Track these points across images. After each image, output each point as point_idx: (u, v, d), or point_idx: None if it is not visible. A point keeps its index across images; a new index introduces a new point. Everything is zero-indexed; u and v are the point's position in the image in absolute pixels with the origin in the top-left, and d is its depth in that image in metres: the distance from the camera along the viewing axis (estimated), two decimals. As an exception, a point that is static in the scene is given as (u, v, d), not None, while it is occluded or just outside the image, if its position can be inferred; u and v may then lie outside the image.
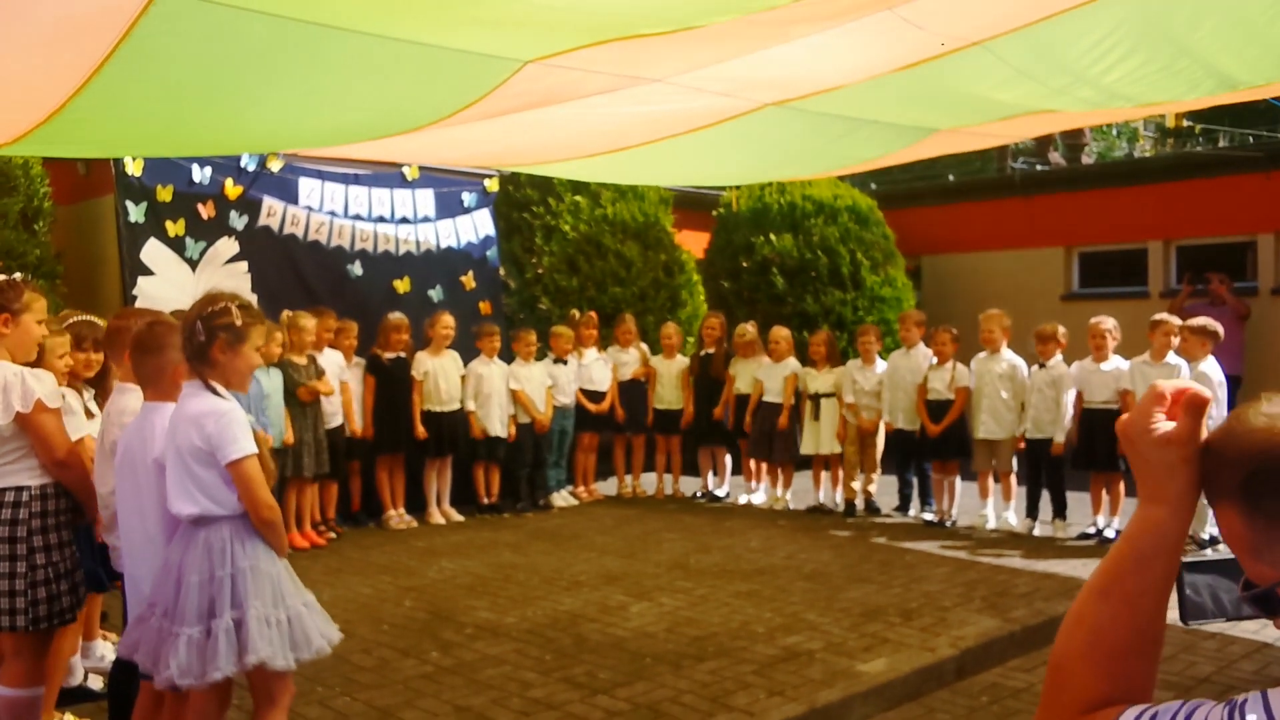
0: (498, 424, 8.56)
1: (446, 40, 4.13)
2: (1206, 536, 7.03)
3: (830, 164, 8.03)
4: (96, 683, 4.53)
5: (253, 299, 3.81)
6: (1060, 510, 7.69)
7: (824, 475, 8.88)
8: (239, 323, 3.18)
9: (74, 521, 3.80)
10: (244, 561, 3.10)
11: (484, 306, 9.59)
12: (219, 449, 3.07)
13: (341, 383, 7.88)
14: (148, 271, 7.61)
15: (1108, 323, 7.58)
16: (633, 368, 9.49)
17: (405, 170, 9.12)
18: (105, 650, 4.80)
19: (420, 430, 8.18)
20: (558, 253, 10.22)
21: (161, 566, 3.18)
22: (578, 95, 5.07)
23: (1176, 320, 7.37)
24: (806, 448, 8.80)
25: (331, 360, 7.86)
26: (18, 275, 3.83)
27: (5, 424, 3.59)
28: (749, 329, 9.29)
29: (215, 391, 3.16)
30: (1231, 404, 7.73)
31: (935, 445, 8.13)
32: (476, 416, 8.46)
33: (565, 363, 9.08)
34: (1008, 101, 5.84)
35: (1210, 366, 7.06)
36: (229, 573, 3.08)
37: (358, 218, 8.87)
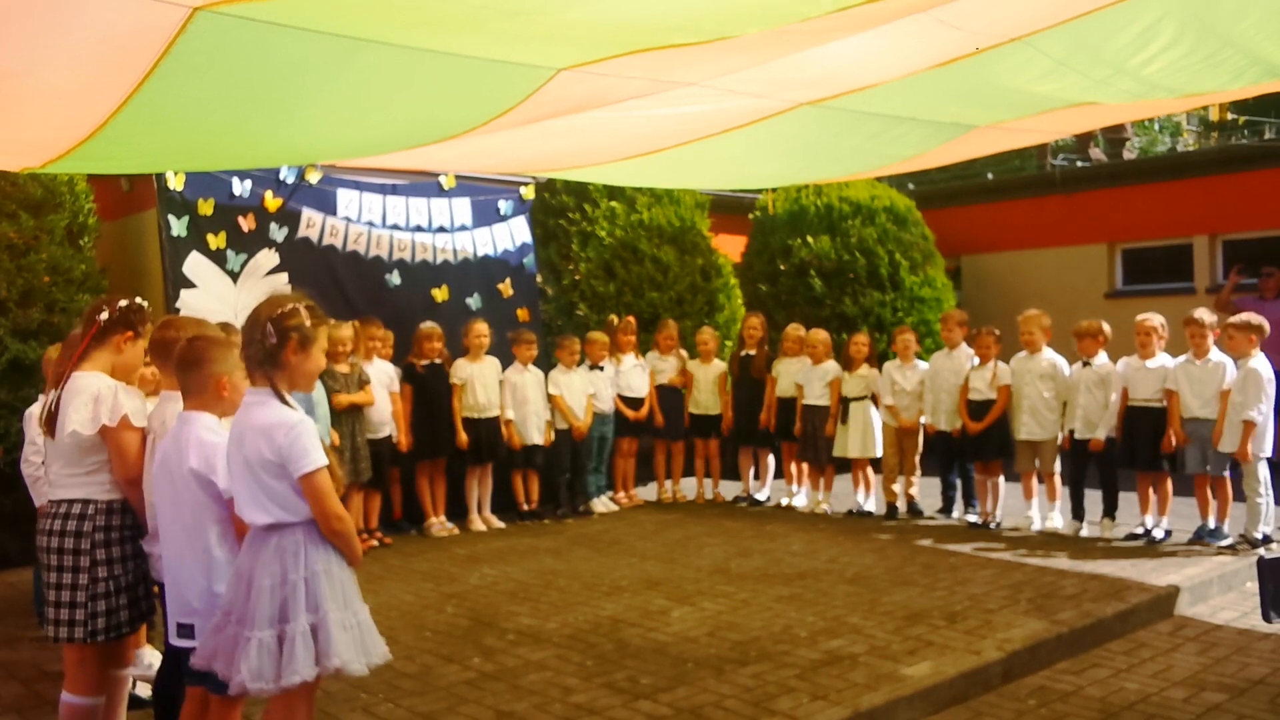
0: (534, 431, 8.57)
1: (479, 51, 4.15)
2: (1260, 535, 6.89)
3: (866, 164, 7.97)
4: (144, 690, 4.58)
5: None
6: (1111, 509, 7.57)
7: (863, 478, 8.81)
8: (308, 323, 3.17)
9: (136, 536, 3.84)
10: (318, 565, 3.09)
11: (522, 314, 9.63)
12: (290, 461, 3.05)
13: (392, 393, 7.94)
14: (190, 284, 7.72)
15: (1155, 319, 7.46)
16: (670, 374, 9.48)
17: (442, 179, 9.18)
18: (152, 658, 4.84)
19: (463, 438, 8.22)
20: (594, 258, 10.23)
21: (234, 573, 3.18)
22: (612, 100, 5.08)
23: (1210, 317, 7.24)
24: (836, 450, 8.75)
25: (381, 370, 7.92)
26: (143, 302, 3.92)
27: (89, 435, 3.66)
28: (799, 328, 9.28)
29: (284, 400, 3.14)
30: (1281, 401, 7.58)
31: (976, 446, 8.04)
32: (514, 426, 8.49)
33: (603, 369, 9.08)
34: (1046, 94, 5.77)
35: (1259, 362, 6.93)
36: (303, 575, 3.06)
37: (395, 227, 8.94)
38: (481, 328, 8.41)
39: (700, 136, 6.22)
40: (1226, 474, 7.12)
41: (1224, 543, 7.02)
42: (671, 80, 4.85)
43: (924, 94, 5.59)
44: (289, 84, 4.34)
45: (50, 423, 3.73)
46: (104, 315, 3.79)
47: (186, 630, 3.34)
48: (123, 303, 3.83)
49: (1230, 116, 13.69)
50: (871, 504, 8.76)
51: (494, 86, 4.60)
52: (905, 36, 4.54)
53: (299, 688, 3.04)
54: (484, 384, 8.35)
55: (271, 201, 8.23)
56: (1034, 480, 7.94)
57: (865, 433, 8.67)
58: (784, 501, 9.22)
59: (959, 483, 8.44)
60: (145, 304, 3.92)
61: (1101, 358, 7.58)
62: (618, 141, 6.27)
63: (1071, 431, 7.68)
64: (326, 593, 3.08)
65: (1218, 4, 4.60)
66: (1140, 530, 7.38)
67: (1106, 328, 7.68)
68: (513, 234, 9.72)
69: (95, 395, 3.66)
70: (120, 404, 3.65)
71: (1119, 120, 9.44)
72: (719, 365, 9.60)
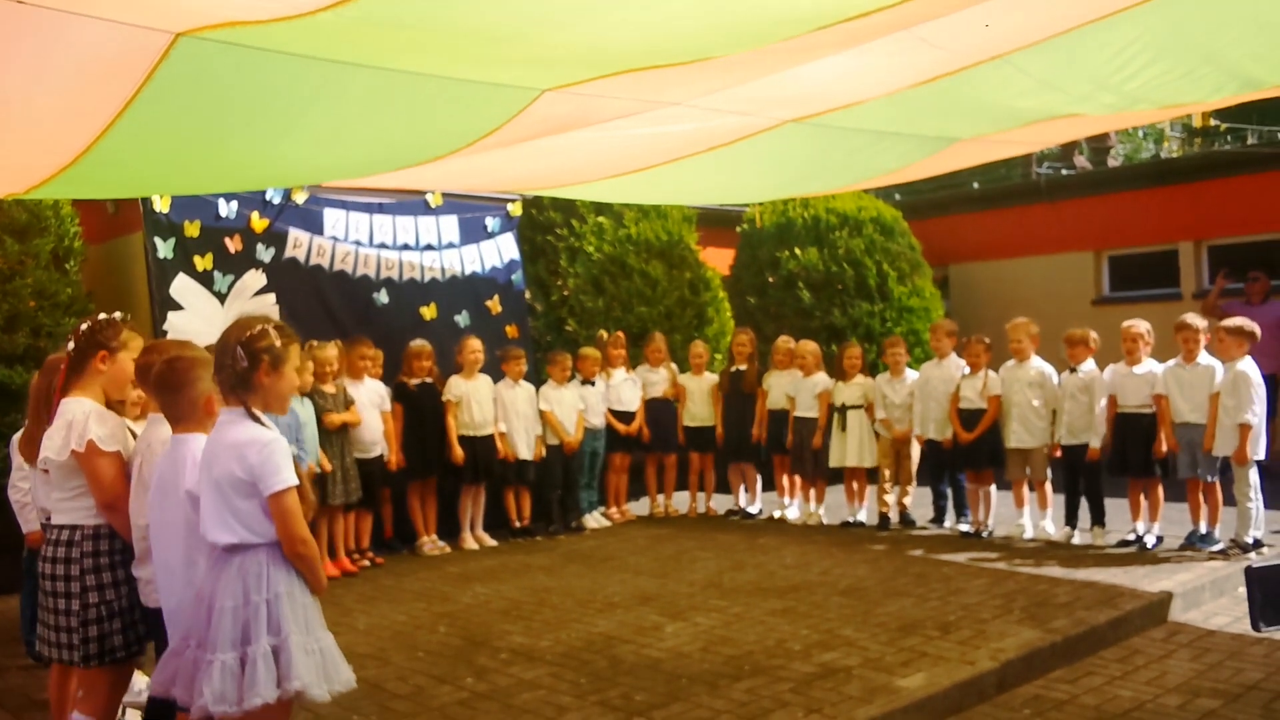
0: (524, 447, 8.55)
1: (464, 73, 4.16)
2: (1250, 540, 6.90)
3: (851, 177, 8.01)
4: (134, 717, 4.55)
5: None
6: (1099, 518, 7.58)
7: (856, 489, 8.80)
8: (278, 343, 3.16)
9: (129, 561, 3.83)
10: (280, 587, 3.07)
11: (510, 330, 9.61)
12: (261, 479, 3.03)
13: (383, 413, 7.91)
14: (177, 306, 7.70)
15: (1141, 326, 7.48)
16: (662, 386, 9.47)
17: (429, 197, 9.18)
18: (143, 685, 4.81)
19: (458, 452, 8.18)
20: (583, 274, 10.23)
21: (193, 597, 3.16)
22: (597, 120, 5.09)
23: (1201, 322, 7.27)
24: (834, 460, 8.75)
25: (372, 389, 7.88)
26: (118, 314, 3.92)
27: (61, 461, 3.66)
28: (790, 340, 9.31)
29: (257, 419, 3.13)
30: (1272, 404, 7.60)
31: (967, 455, 8.05)
32: (506, 439, 8.46)
33: (594, 384, 9.07)
34: (1029, 109, 5.82)
35: (1248, 366, 6.95)
36: (265, 598, 3.04)
37: (383, 246, 8.93)
38: (475, 344, 8.39)
39: (686, 154, 6.24)
40: (1217, 479, 7.14)
41: (1215, 548, 7.03)
42: (656, 100, 4.87)
43: (908, 109, 5.62)
44: (273, 108, 4.34)
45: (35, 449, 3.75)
46: (71, 344, 3.81)
47: (184, 656, 3.32)
48: (84, 326, 3.85)
49: (1213, 123, 13.77)
50: (864, 515, 8.76)
51: (479, 108, 4.60)
52: (888, 55, 4.56)
53: (260, 711, 3.01)
54: (479, 401, 8.32)
55: (258, 222, 8.21)
56: (1025, 488, 7.95)
57: (863, 441, 8.67)
58: (776, 514, 9.22)
59: (950, 492, 8.45)
60: (116, 315, 3.91)
61: (1087, 364, 7.60)
62: (604, 160, 6.28)
63: (1059, 439, 7.68)
64: (289, 615, 3.06)
65: (1195, 21, 4.63)
66: (1132, 537, 7.39)
67: (1094, 336, 7.71)
68: (500, 251, 9.72)
69: (69, 421, 3.67)
70: (88, 430, 3.64)
71: (1102, 130, 9.53)
72: (711, 377, 9.61)
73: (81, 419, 3.66)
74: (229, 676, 2.98)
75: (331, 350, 7.54)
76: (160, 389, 3.43)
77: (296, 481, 3.08)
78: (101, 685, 3.77)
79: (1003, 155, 8.07)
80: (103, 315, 3.90)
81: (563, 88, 4.39)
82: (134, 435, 4.04)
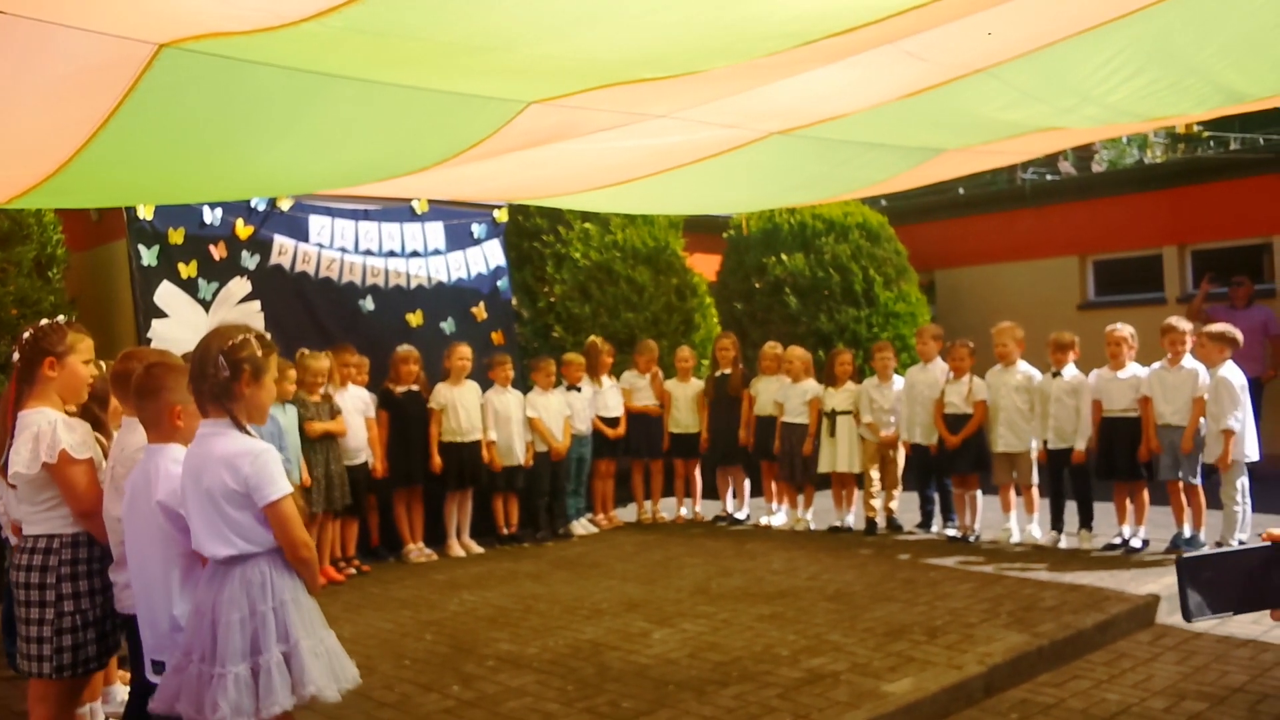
0: (518, 453, 8.54)
1: (450, 85, 4.16)
2: (1235, 543, 6.91)
3: (838, 188, 8.02)
4: (113, 728, 4.53)
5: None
6: (1087, 520, 7.61)
7: (844, 495, 8.81)
8: (259, 353, 3.15)
9: (105, 569, 3.80)
10: (285, 594, 3.08)
11: (496, 337, 9.60)
12: (256, 490, 3.03)
13: (367, 419, 7.89)
14: (161, 314, 7.66)
15: (1124, 330, 7.52)
16: (647, 393, 9.47)
17: (414, 204, 9.17)
18: (124, 694, 4.78)
19: (437, 461, 8.17)
20: (569, 280, 10.23)
21: (192, 611, 3.14)
22: (583, 132, 5.09)
23: (1186, 325, 7.31)
24: (824, 466, 8.76)
25: (356, 396, 7.86)
26: (60, 319, 3.90)
27: (31, 475, 3.63)
28: (777, 346, 9.32)
29: (243, 429, 3.12)
30: (1257, 407, 7.65)
31: (953, 460, 8.06)
32: (495, 447, 8.45)
33: (580, 390, 9.07)
34: (1015, 121, 5.84)
35: (1229, 371, 6.99)
36: (271, 606, 3.04)
37: (368, 253, 8.91)
38: (465, 350, 8.38)
39: (673, 166, 6.24)
40: (1199, 481, 7.17)
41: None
42: (642, 112, 4.88)
43: (894, 121, 5.64)
44: (258, 119, 4.33)
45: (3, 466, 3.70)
46: (16, 354, 3.78)
47: (160, 666, 3.29)
48: (27, 334, 3.81)
49: (1196, 129, 13.86)
50: (851, 520, 8.77)
51: (465, 119, 4.60)
52: (874, 69, 4.57)
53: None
54: (465, 407, 8.30)
55: (243, 229, 8.18)
56: (1012, 492, 7.97)
57: (853, 447, 8.68)
58: (763, 520, 9.22)
59: (937, 497, 8.47)
60: (60, 319, 3.90)
61: (1071, 368, 7.63)
62: (591, 171, 6.29)
63: (1045, 442, 7.71)
64: (296, 621, 3.07)
65: (1179, 33, 4.64)
66: (1118, 540, 7.42)
67: (1076, 339, 7.75)
68: (486, 257, 9.71)
69: (35, 434, 3.63)
70: (58, 440, 3.61)
71: (1088, 140, 9.55)
72: (697, 384, 9.61)
73: (48, 429, 3.62)
74: (243, 688, 2.96)
75: (323, 361, 7.52)
76: (138, 395, 3.42)
77: (290, 488, 3.09)
78: (56, 698, 3.74)
79: (989, 166, 8.11)
80: (45, 321, 3.87)
81: (549, 100, 4.39)
82: (103, 445, 4.01)
